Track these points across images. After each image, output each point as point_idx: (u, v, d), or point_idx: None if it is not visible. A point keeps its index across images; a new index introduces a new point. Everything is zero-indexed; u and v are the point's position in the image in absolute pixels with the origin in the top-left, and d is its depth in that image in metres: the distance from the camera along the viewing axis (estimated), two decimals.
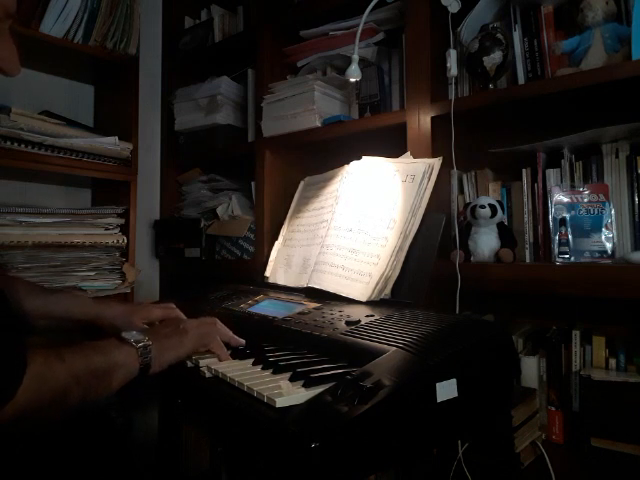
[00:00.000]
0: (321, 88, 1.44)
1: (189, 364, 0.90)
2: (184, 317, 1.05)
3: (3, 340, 0.66)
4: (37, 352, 0.68)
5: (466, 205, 1.21)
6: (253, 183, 1.63)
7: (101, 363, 0.76)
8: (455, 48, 1.22)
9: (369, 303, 1.06)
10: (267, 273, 1.42)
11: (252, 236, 1.63)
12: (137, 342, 0.81)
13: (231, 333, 0.96)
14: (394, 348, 0.75)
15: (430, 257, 1.05)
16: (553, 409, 1.12)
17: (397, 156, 1.24)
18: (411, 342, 0.75)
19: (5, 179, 1.64)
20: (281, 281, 1.35)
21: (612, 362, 1.07)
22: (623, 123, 1.04)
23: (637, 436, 0.98)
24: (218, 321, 0.96)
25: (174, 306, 1.08)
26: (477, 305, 1.23)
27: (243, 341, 0.96)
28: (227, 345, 0.94)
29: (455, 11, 1.20)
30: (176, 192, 1.93)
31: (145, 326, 1.02)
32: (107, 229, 1.63)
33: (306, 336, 0.92)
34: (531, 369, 1.14)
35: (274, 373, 0.78)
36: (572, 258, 1.06)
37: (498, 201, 1.15)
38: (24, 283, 1.05)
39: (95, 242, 1.59)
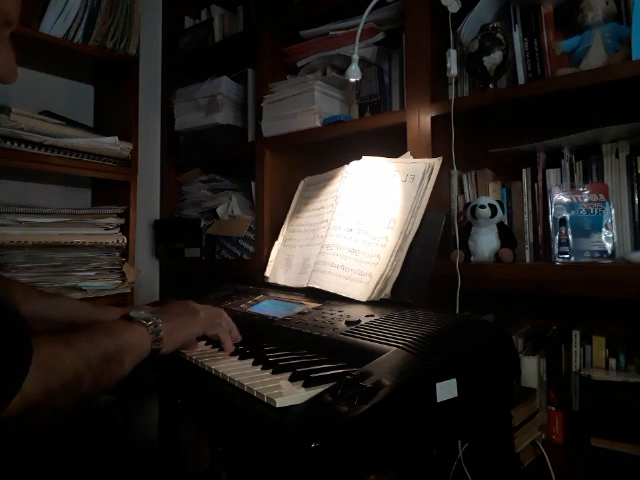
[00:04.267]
0: (321, 88, 1.44)
1: (186, 358, 0.89)
2: None
3: (4, 330, 0.61)
4: (42, 340, 0.65)
5: (466, 205, 1.21)
6: (253, 183, 1.63)
7: (111, 345, 0.73)
8: (455, 48, 1.22)
9: (369, 303, 1.06)
10: (267, 273, 1.42)
11: (252, 236, 1.63)
12: (147, 320, 0.79)
13: (234, 325, 0.97)
14: (394, 348, 0.74)
15: (430, 257, 1.05)
16: (553, 409, 1.12)
17: (397, 156, 1.24)
18: (411, 342, 0.75)
19: (5, 179, 1.64)
20: (281, 281, 1.35)
21: (612, 362, 1.07)
22: (623, 123, 1.04)
23: (637, 436, 0.98)
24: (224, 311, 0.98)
25: None
26: (477, 305, 1.23)
27: (240, 337, 0.97)
28: None
29: (455, 11, 1.20)
30: (176, 192, 1.93)
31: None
32: (107, 229, 1.63)
33: (306, 336, 0.92)
34: (531, 369, 1.14)
35: (274, 373, 0.78)
36: (572, 258, 1.06)
37: (498, 201, 1.15)
38: (21, 286, 1.04)
39: (95, 242, 1.59)
